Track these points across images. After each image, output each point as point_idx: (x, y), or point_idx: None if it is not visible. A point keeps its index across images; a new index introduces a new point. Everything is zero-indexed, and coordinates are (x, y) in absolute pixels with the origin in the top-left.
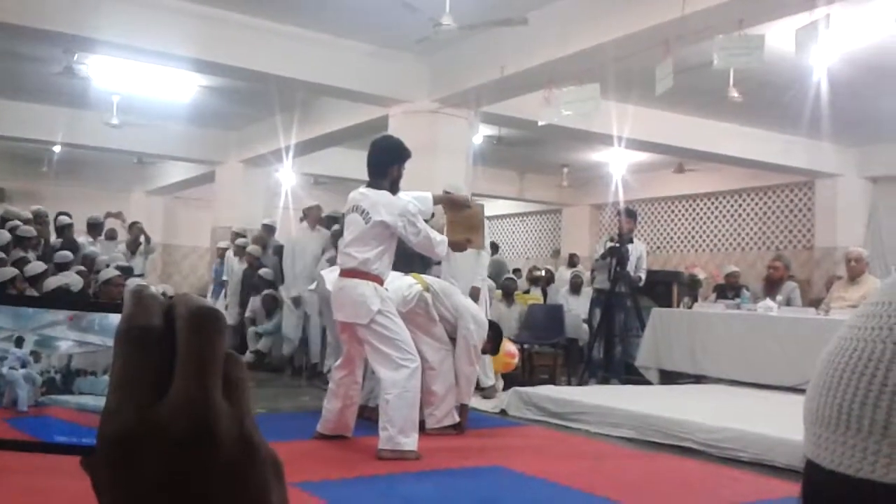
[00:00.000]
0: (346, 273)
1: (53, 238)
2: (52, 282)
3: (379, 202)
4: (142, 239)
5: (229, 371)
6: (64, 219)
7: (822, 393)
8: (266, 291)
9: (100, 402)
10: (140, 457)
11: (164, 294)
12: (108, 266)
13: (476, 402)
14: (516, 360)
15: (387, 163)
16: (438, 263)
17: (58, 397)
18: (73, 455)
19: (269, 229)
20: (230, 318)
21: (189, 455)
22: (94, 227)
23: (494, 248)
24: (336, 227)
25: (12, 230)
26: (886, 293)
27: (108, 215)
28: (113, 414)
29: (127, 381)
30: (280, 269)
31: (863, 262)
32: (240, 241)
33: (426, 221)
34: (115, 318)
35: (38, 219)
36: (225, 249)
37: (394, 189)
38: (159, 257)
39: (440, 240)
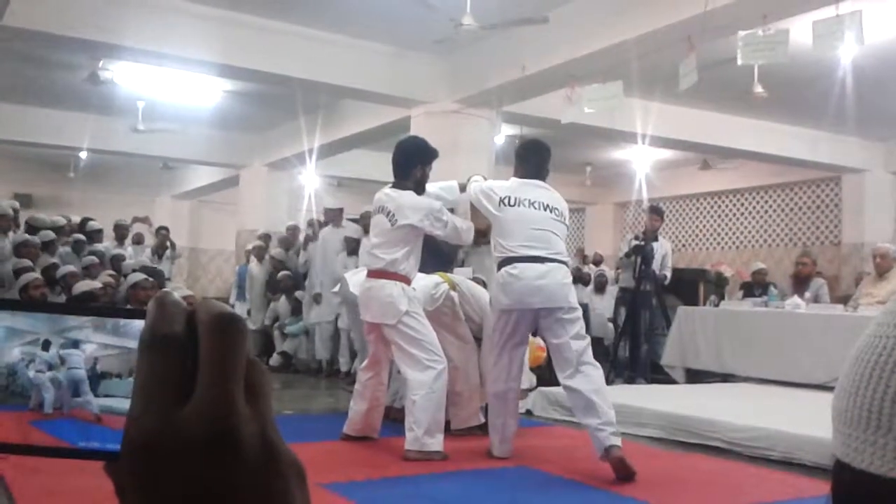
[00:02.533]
0: (374, 274)
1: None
2: (80, 286)
3: (404, 204)
4: (168, 244)
5: (251, 377)
6: (93, 224)
7: (851, 392)
8: (296, 293)
9: (124, 404)
10: (163, 462)
11: (187, 297)
12: (135, 270)
13: None
14: (545, 353)
15: (411, 164)
16: (462, 264)
17: (83, 399)
18: (98, 460)
19: (295, 231)
20: (254, 322)
21: (212, 461)
22: (120, 232)
23: None
24: (347, 234)
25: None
26: None
27: (136, 220)
28: (137, 420)
29: (151, 387)
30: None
31: (889, 258)
32: (256, 243)
33: (451, 211)
34: (139, 322)
35: (67, 225)
36: (248, 253)
37: (419, 189)
38: (185, 261)
39: (466, 227)
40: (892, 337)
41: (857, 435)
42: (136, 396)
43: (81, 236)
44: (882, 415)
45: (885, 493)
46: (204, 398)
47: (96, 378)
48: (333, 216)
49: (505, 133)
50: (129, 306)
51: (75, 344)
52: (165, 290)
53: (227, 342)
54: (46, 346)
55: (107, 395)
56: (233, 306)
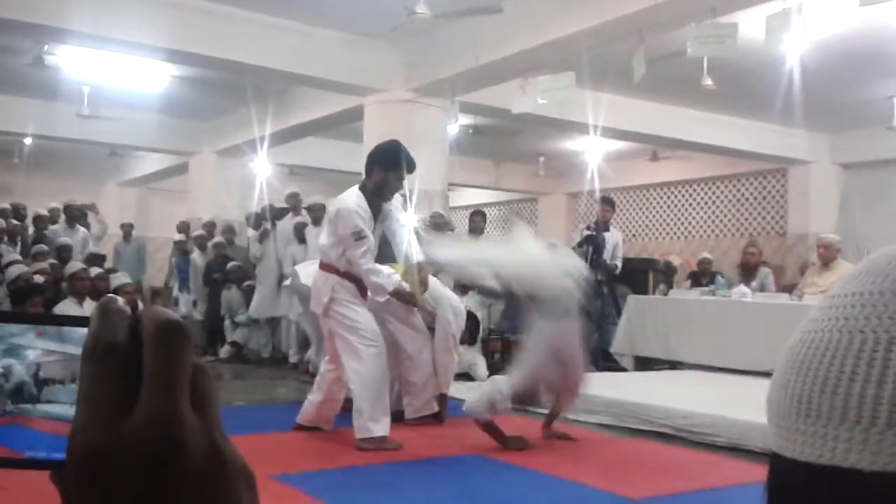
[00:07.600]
0: (322, 267)
1: (31, 231)
2: (15, 269)
3: (340, 206)
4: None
5: (197, 383)
6: (41, 212)
7: (782, 385)
8: (246, 283)
9: (68, 410)
10: (110, 472)
11: (125, 286)
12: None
13: (455, 391)
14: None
15: (370, 163)
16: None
17: (26, 406)
18: (43, 469)
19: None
20: (200, 312)
21: (159, 469)
22: (71, 213)
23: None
24: (298, 220)
25: None
26: (844, 285)
27: (83, 207)
28: (81, 430)
29: (95, 396)
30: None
31: (832, 249)
32: (198, 232)
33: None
34: (82, 329)
35: (16, 213)
36: (183, 242)
37: (376, 192)
38: (133, 249)
39: (384, 280)
40: (819, 331)
41: (788, 425)
42: (80, 406)
43: None
44: (811, 403)
45: (814, 479)
46: (149, 408)
47: (40, 384)
48: (295, 202)
49: (459, 122)
50: (69, 297)
51: (16, 349)
52: (109, 296)
53: (172, 349)
54: None
55: (50, 402)
56: (177, 299)
